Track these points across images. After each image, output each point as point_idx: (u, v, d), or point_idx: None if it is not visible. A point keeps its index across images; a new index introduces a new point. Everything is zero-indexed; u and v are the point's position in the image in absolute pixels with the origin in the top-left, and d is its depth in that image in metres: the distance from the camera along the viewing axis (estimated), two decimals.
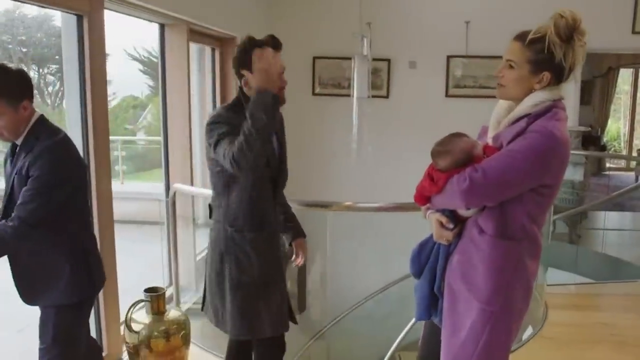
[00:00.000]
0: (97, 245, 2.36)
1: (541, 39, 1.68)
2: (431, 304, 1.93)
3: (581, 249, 5.56)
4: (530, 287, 1.82)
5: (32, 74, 16.49)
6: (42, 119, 2.14)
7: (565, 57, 1.68)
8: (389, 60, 6.09)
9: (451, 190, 1.72)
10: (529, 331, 3.68)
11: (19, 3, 2.75)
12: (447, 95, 6.01)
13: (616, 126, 13.29)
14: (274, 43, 2.14)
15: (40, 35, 15.57)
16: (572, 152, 5.73)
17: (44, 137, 2.09)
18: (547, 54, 1.68)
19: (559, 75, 1.73)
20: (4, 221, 2.04)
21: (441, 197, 1.78)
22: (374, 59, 5.82)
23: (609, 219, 6.42)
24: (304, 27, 6.08)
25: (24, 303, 2.23)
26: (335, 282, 4.62)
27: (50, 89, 16.47)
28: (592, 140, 9.54)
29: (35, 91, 2.17)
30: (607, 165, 10.47)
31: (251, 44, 2.12)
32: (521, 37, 1.73)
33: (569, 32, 1.67)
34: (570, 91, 5.92)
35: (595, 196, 6.55)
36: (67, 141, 2.18)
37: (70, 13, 2.74)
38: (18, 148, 2.13)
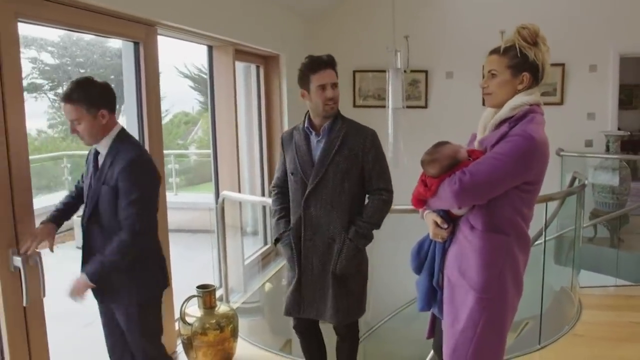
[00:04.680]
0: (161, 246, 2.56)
1: (512, 46, 1.96)
2: (431, 296, 2.16)
3: (622, 253, 5.57)
4: (520, 276, 2.03)
5: None
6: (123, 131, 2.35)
7: (537, 56, 1.95)
8: (426, 72, 6.30)
9: (444, 193, 1.94)
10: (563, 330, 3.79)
11: None
12: (484, 104, 6.12)
13: None
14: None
15: (97, 57, 16.41)
16: (609, 156, 5.73)
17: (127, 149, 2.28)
18: (521, 57, 1.95)
19: (536, 74, 1.98)
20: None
21: (436, 200, 2.01)
22: (413, 71, 6.02)
23: None
24: (343, 42, 6.34)
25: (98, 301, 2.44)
26: (375, 286, 4.79)
27: None
28: (638, 144, 9.41)
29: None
30: None
31: None
32: (496, 50, 2.01)
33: (533, 37, 1.95)
34: (608, 97, 5.99)
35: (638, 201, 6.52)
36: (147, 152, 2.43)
37: (129, 41, 3.09)
38: (101, 156, 2.33)
